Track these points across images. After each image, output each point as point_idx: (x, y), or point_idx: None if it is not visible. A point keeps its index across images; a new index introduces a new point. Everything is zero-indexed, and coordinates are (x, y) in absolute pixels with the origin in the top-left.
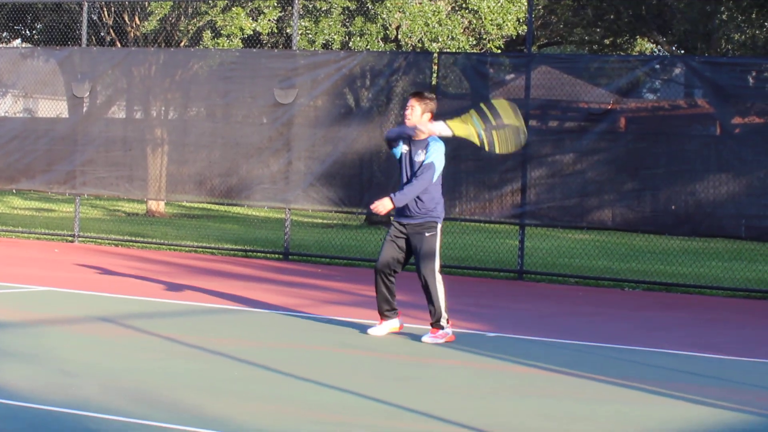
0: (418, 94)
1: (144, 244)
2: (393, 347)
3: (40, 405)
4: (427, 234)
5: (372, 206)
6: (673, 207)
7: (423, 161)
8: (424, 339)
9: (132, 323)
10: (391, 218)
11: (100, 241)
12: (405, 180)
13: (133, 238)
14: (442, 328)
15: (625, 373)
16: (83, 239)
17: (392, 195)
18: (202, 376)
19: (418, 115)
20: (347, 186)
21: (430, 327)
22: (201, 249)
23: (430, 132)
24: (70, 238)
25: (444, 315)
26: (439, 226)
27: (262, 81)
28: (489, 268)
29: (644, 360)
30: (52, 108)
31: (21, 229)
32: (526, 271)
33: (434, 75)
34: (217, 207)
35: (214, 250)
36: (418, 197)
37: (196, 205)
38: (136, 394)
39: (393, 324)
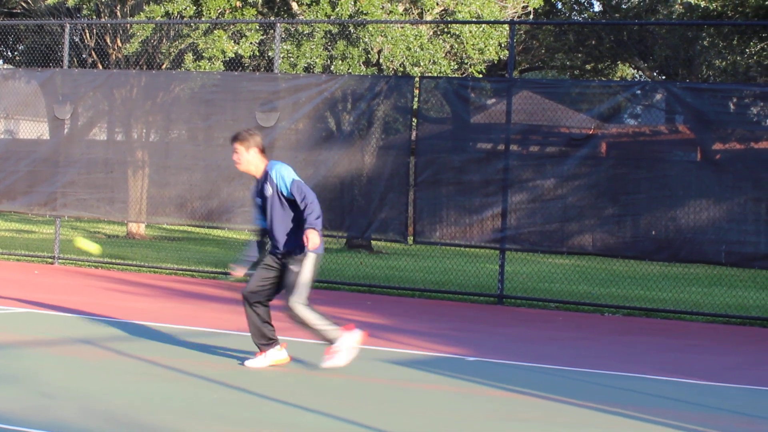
0: (237, 136)
1: (124, 267)
2: (374, 371)
3: (18, 427)
4: (292, 267)
5: (311, 246)
6: (653, 232)
7: (279, 187)
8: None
9: (112, 345)
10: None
11: (80, 263)
12: (270, 218)
13: (114, 261)
14: (333, 342)
15: (604, 398)
16: (63, 261)
17: (308, 224)
18: (182, 399)
19: (246, 157)
20: (328, 209)
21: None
22: (181, 272)
23: None
24: (50, 260)
25: (330, 334)
26: (310, 256)
27: (244, 104)
28: (469, 292)
29: (623, 385)
30: (34, 129)
31: (1, 251)
32: (506, 295)
33: (415, 99)
34: (197, 230)
35: (194, 273)
36: (279, 228)
37: (176, 227)
38: (115, 416)
39: (276, 356)
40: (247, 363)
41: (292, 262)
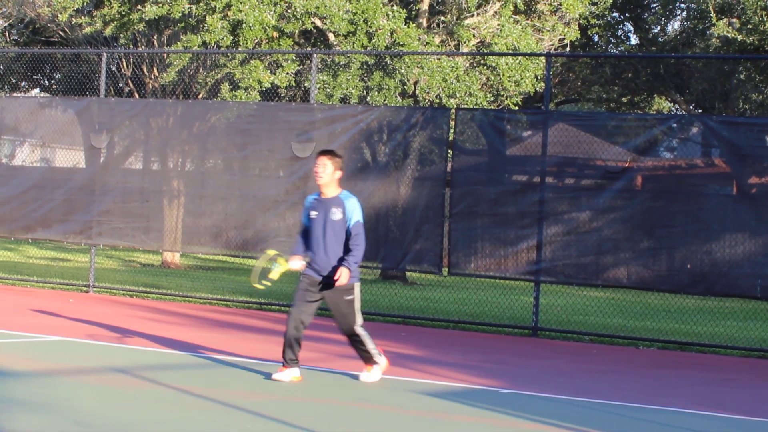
0: (330, 152)
1: (159, 296)
2: (408, 402)
3: None
4: (346, 297)
5: (338, 283)
6: (688, 266)
7: (348, 219)
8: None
9: (146, 375)
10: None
11: (115, 291)
12: (322, 239)
13: (148, 290)
14: (375, 361)
15: (638, 431)
16: (98, 289)
17: (346, 264)
18: (216, 429)
19: (330, 172)
20: None
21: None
22: (216, 301)
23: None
24: (85, 288)
25: (375, 354)
26: (356, 283)
27: (280, 134)
28: (503, 324)
29: (657, 419)
30: (70, 158)
31: (36, 279)
32: (540, 327)
33: (451, 130)
34: (232, 259)
35: (228, 303)
36: (330, 253)
37: (211, 257)
38: None
39: (296, 373)
40: (274, 376)
41: (343, 292)
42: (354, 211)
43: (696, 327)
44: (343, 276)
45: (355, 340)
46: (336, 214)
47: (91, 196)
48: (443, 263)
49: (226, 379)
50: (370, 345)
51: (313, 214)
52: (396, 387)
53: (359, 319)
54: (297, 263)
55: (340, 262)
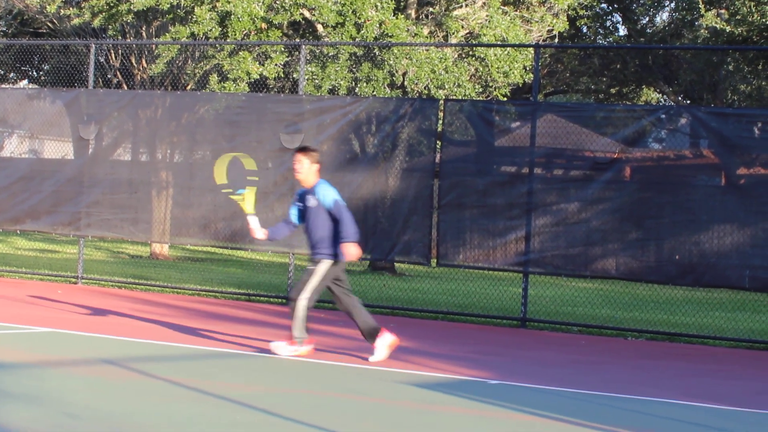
0: (305, 148)
1: (147, 287)
2: (397, 394)
3: None
4: (309, 267)
5: (349, 257)
6: (677, 257)
7: (325, 205)
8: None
9: (135, 366)
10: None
11: (103, 283)
12: (308, 225)
13: (137, 281)
14: (295, 338)
15: (626, 422)
16: (87, 281)
17: (347, 239)
18: (205, 421)
19: (306, 167)
20: None
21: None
22: (204, 292)
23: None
24: (73, 280)
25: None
26: (327, 261)
27: (268, 125)
28: (492, 315)
29: (646, 409)
30: (58, 149)
31: (24, 270)
32: (529, 318)
33: (440, 121)
34: (220, 251)
35: (217, 294)
36: (315, 237)
37: (199, 248)
38: None
39: (388, 339)
40: (370, 359)
41: (312, 264)
42: (325, 195)
43: (684, 318)
44: (349, 251)
45: (291, 307)
46: (311, 201)
47: (80, 188)
48: (432, 254)
49: (215, 370)
50: (298, 323)
51: (299, 204)
52: (385, 378)
53: (308, 293)
54: (258, 231)
55: (323, 244)
